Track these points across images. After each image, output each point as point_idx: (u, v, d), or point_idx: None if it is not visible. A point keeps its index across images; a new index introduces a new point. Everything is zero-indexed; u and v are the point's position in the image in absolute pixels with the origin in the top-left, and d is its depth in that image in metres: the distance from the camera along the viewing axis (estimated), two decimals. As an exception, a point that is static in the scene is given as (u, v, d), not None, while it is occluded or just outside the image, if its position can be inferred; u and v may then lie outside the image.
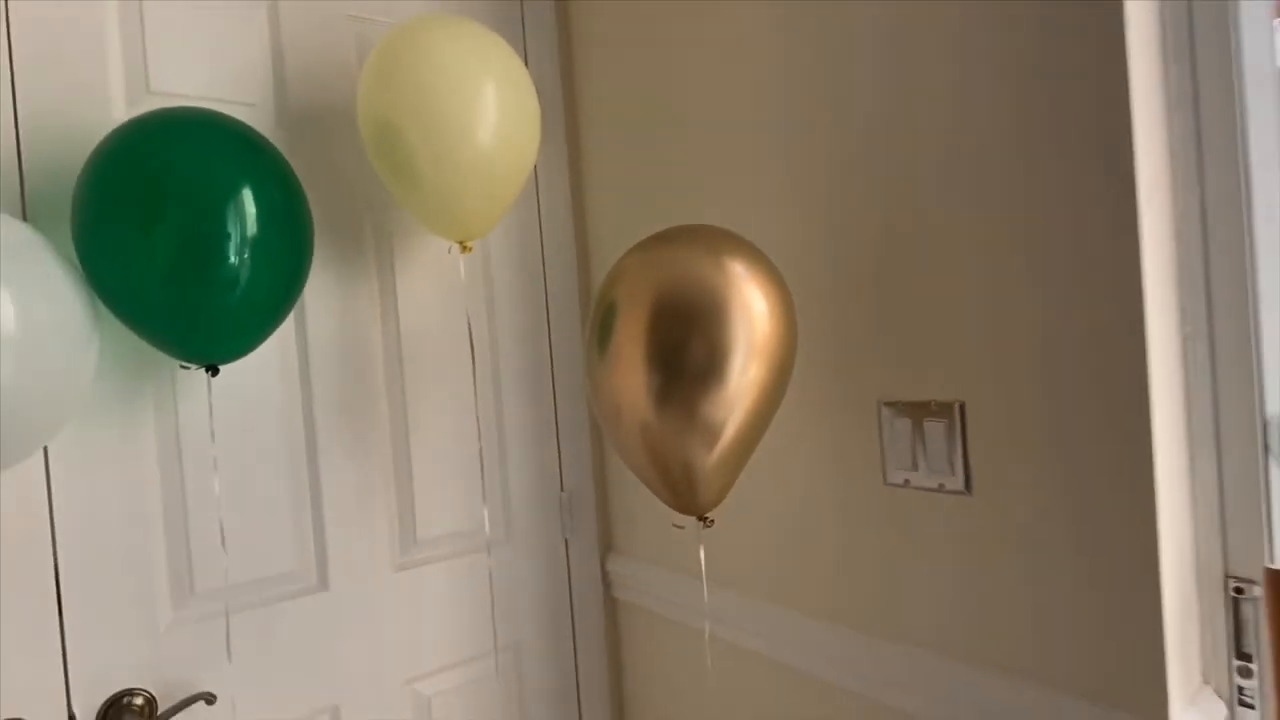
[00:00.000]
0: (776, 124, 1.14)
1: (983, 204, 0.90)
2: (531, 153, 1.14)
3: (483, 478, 1.43)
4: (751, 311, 0.77)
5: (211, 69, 1.18)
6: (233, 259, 0.93)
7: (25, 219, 1.03)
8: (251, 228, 0.94)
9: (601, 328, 0.82)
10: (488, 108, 1.06)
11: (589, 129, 1.54)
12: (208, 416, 1.14)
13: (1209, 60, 0.87)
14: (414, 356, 1.36)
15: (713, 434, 0.77)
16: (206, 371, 1.00)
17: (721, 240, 0.82)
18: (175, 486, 1.13)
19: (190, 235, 0.92)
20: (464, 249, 1.17)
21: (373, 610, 1.30)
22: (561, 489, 1.55)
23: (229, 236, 0.93)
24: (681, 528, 0.93)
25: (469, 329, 1.36)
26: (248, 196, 0.94)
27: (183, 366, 1.00)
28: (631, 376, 0.79)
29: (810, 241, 1.10)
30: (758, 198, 1.18)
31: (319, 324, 1.26)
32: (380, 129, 1.07)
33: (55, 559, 1.03)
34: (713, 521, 0.86)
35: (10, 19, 1.03)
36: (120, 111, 1.11)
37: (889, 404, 1.01)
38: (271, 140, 1.20)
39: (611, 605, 1.60)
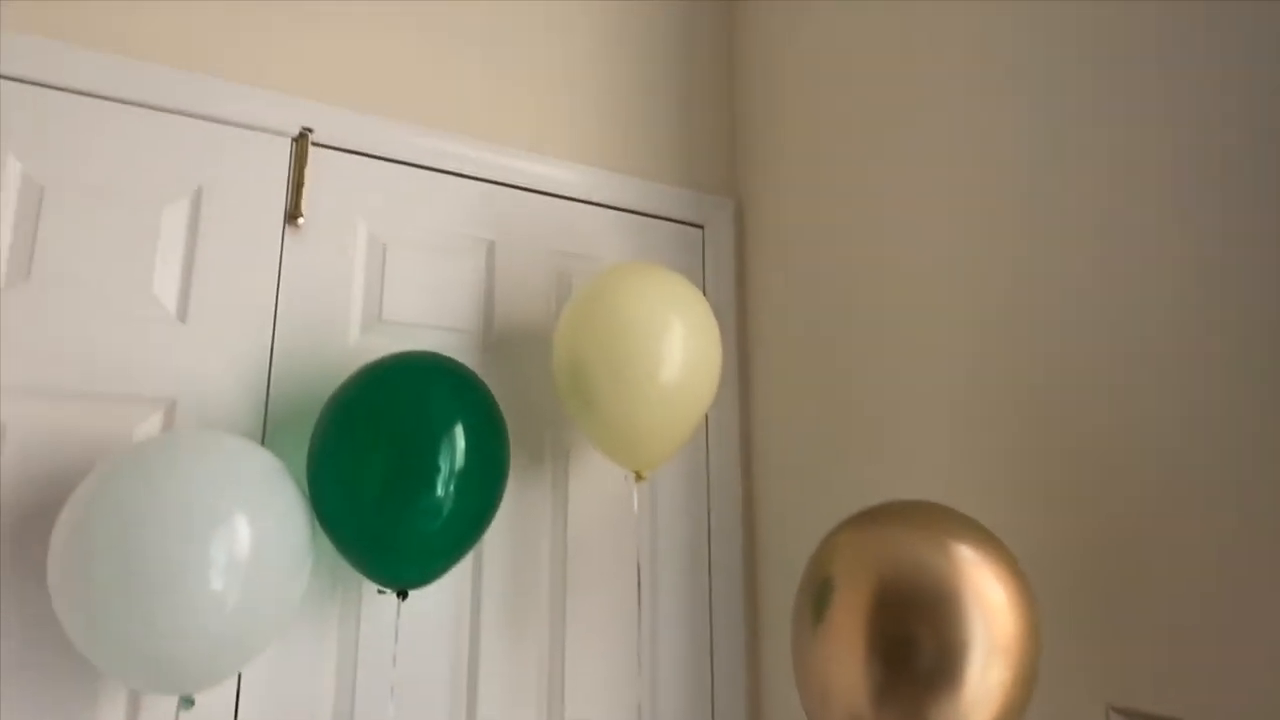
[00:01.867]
0: (978, 392, 1.11)
1: (1221, 514, 0.81)
2: (709, 395, 1.17)
3: (640, 716, 1.35)
4: (988, 603, 0.71)
5: (433, 302, 1.32)
6: (439, 490, 0.98)
7: (265, 429, 1.14)
8: (458, 462, 1.00)
9: (815, 603, 0.77)
10: (671, 354, 1.11)
11: (761, 367, 1.57)
12: (384, 636, 1.15)
13: None
14: (577, 572, 1.35)
15: (945, 748, 0.69)
16: (397, 596, 1.02)
17: (943, 519, 0.77)
18: (346, 702, 1.13)
19: (402, 467, 0.98)
20: (638, 478, 1.18)
21: None
22: (717, 727, 1.44)
23: (438, 469, 0.98)
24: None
25: (638, 568, 1.32)
26: (457, 434, 1.00)
27: (379, 591, 1.03)
28: (847, 663, 0.73)
29: (1024, 525, 1.02)
30: (951, 461, 1.13)
31: (494, 528, 1.29)
32: (572, 366, 1.14)
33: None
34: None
35: (284, 264, 1.20)
36: (355, 338, 1.24)
37: (1119, 710, 0.87)
38: (475, 361, 1.31)
39: None
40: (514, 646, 1.27)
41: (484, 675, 1.24)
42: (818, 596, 0.77)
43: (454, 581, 1.24)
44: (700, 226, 1.64)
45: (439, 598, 1.22)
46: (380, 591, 1.03)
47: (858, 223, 1.36)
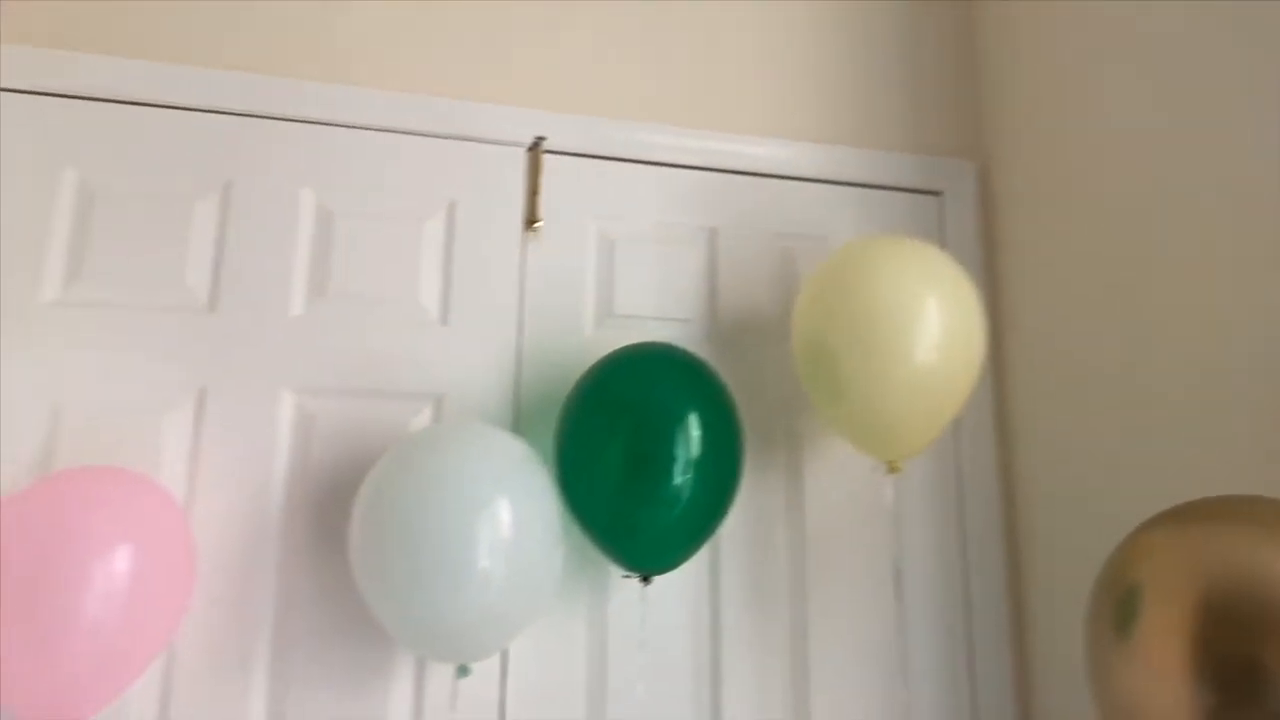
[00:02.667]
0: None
1: None
2: (972, 374, 1.06)
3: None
4: (1367, 628, 0.56)
5: (660, 293, 1.33)
6: (675, 479, 0.98)
7: (515, 420, 1.22)
8: (694, 450, 0.99)
9: (1120, 613, 0.66)
10: (929, 332, 1.02)
11: (1017, 343, 1.40)
12: (633, 619, 1.18)
13: None
14: (818, 565, 1.30)
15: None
16: (641, 580, 1.04)
17: (1290, 517, 0.62)
18: (599, 680, 1.18)
19: (639, 456, 1.00)
20: (891, 469, 1.10)
21: None
22: (979, 744, 1.31)
23: (674, 459, 0.99)
24: None
25: (894, 566, 1.22)
26: (692, 423, 1.00)
27: (623, 576, 1.06)
28: (1166, 684, 0.61)
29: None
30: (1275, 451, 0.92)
31: (730, 519, 1.26)
32: (816, 351, 1.08)
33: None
34: None
35: (525, 267, 1.28)
36: (589, 331, 1.29)
37: None
38: (700, 351, 1.29)
39: None
40: (756, 636, 1.24)
41: (727, 662, 1.23)
42: (1122, 605, 0.66)
43: (695, 570, 1.24)
44: (937, 194, 1.50)
45: (682, 585, 1.23)
46: (625, 576, 1.06)
47: (1131, 177, 1.16)
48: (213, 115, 1.22)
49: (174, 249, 1.16)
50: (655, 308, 1.33)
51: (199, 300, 1.17)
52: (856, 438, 1.09)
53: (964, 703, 1.31)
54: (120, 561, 0.85)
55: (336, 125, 1.25)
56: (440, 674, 1.12)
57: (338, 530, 1.13)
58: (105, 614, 0.84)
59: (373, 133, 1.26)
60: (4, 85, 1.14)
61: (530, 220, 1.29)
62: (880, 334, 1.02)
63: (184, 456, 1.12)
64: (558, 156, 1.33)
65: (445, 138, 1.29)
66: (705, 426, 1.00)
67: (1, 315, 1.08)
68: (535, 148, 1.31)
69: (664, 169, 1.38)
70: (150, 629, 0.91)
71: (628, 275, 1.33)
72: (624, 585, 1.19)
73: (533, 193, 1.30)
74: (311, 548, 1.13)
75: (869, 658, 1.28)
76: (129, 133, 1.18)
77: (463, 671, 0.98)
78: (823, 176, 1.44)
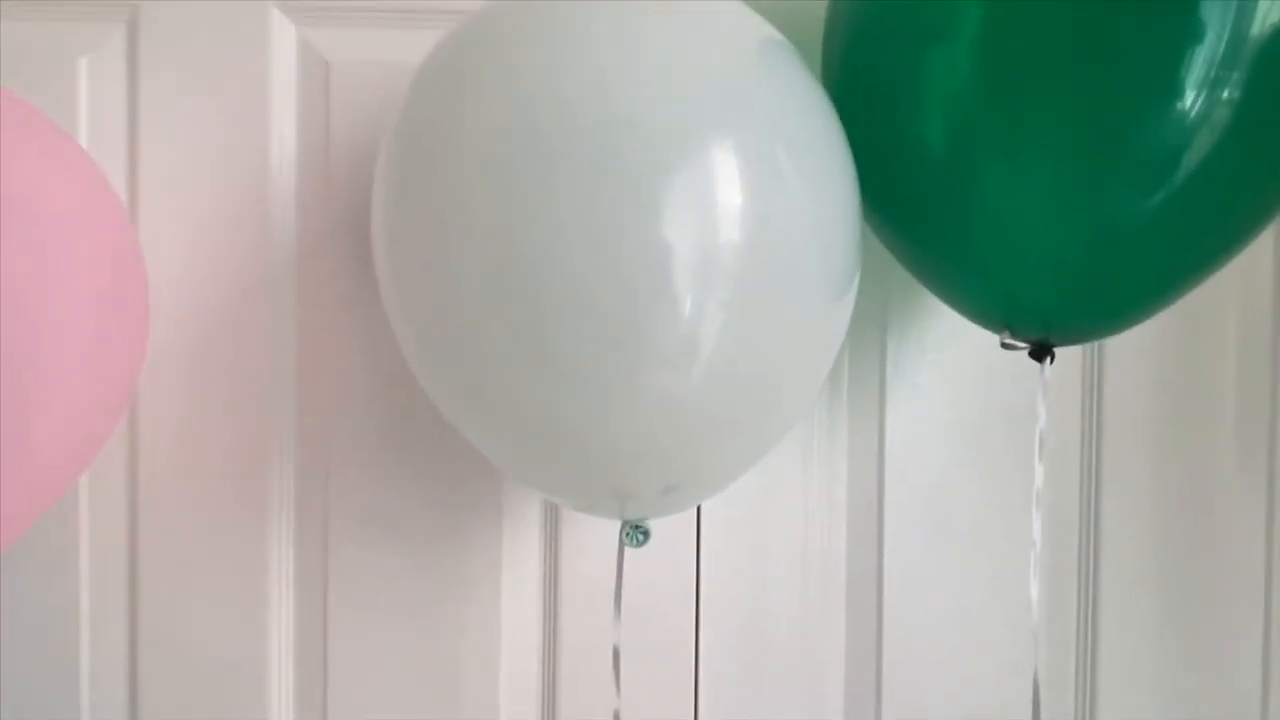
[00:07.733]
0: None
1: None
2: None
3: None
4: None
5: None
6: (1163, 130, 0.40)
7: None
8: (1215, 62, 0.39)
9: None
10: None
11: None
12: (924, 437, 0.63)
13: None
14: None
15: None
16: (1032, 356, 0.47)
17: None
18: (870, 541, 0.67)
19: (1063, 78, 0.41)
20: None
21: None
22: None
23: (1169, 79, 0.39)
24: None
25: None
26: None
27: (1003, 343, 0.48)
28: None
29: None
30: None
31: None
32: None
33: (697, 638, 0.65)
34: None
35: None
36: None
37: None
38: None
39: None
40: (1162, 462, 0.67)
41: (1105, 522, 0.67)
42: None
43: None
44: None
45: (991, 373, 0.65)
46: (1004, 344, 0.48)
47: None
48: None
49: None
50: None
51: None
52: None
53: None
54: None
55: None
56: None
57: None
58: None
59: None
60: None
61: None
62: None
63: (119, 130, 0.62)
64: None
65: None
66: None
67: None
68: None
69: None
70: (61, 405, 0.44)
71: None
72: (999, 361, 0.61)
73: None
74: (349, 296, 0.62)
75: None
76: None
77: (633, 537, 0.47)
78: None
